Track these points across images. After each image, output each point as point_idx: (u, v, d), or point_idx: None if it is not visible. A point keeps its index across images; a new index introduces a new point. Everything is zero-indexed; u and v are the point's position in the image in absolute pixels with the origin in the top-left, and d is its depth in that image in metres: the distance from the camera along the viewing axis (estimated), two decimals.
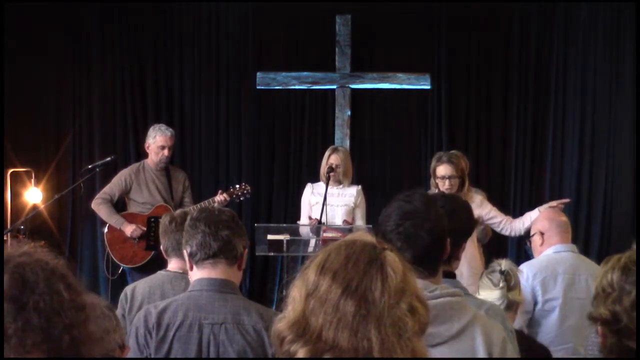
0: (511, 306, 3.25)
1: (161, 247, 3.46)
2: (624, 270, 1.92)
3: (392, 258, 1.54)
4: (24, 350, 1.24)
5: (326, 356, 1.44)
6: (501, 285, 3.23)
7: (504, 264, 3.31)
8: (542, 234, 4.08)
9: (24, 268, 1.28)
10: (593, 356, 2.87)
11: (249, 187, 5.97)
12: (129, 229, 5.81)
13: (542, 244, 4.07)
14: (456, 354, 2.06)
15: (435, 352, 2.04)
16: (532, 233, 4.20)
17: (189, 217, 2.72)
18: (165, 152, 5.90)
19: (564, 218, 4.19)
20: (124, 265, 5.90)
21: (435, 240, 2.19)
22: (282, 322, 1.52)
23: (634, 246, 2.02)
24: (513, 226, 5.28)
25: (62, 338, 1.27)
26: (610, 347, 1.91)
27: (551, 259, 3.98)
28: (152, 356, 2.59)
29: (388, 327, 1.45)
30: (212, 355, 2.57)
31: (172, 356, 2.58)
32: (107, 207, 5.89)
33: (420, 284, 2.06)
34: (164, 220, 3.44)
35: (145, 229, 5.82)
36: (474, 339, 2.08)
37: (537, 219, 4.33)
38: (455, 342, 2.06)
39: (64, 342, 1.27)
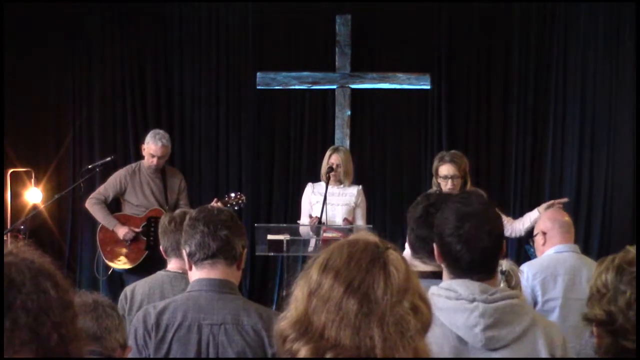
0: None
1: (161, 247, 3.46)
2: (618, 270, 1.92)
3: (394, 257, 1.54)
4: (13, 350, 1.23)
5: (328, 355, 1.45)
6: (502, 285, 3.22)
7: (504, 264, 3.30)
8: (544, 234, 4.08)
9: (9, 268, 1.27)
10: (586, 356, 2.86)
11: (244, 197, 5.95)
12: (122, 232, 5.80)
13: (544, 243, 4.07)
14: (519, 356, 2.05)
15: (497, 355, 2.05)
16: (534, 233, 4.20)
17: (187, 217, 2.70)
18: (154, 160, 5.85)
19: (567, 218, 4.18)
20: (114, 267, 5.90)
21: (495, 241, 2.15)
22: (285, 320, 1.52)
23: (628, 247, 2.02)
24: (513, 227, 5.28)
25: (51, 337, 1.26)
26: (606, 347, 1.90)
27: (552, 259, 3.97)
28: (151, 357, 2.58)
29: (391, 326, 1.45)
30: (211, 356, 2.56)
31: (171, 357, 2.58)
32: (101, 207, 5.88)
33: (479, 287, 2.06)
34: (164, 221, 3.44)
35: (137, 231, 5.82)
36: (535, 341, 2.08)
37: (540, 219, 4.32)
38: (518, 345, 2.06)
39: (52, 340, 1.26)
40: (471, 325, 2.03)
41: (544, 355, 2.07)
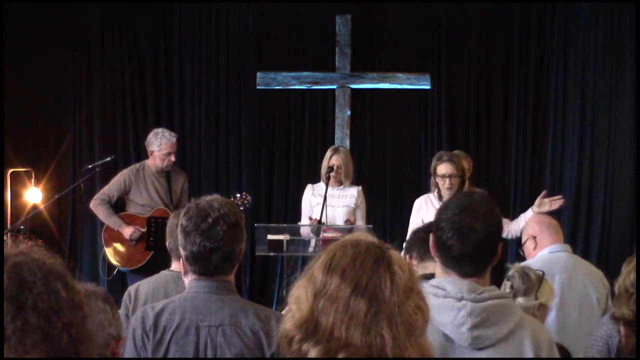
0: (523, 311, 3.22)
1: (167, 245, 3.45)
2: None
3: (398, 257, 1.55)
4: (24, 351, 1.23)
5: (340, 355, 1.45)
6: (507, 291, 3.21)
7: (512, 269, 3.29)
8: (534, 238, 4.08)
9: (21, 268, 1.28)
10: (592, 355, 2.87)
11: (249, 198, 5.96)
12: (128, 231, 5.79)
13: (535, 247, 4.06)
14: (504, 356, 2.04)
15: (483, 355, 2.04)
16: (523, 240, 4.18)
17: (184, 217, 2.61)
18: (172, 157, 5.90)
19: (553, 221, 4.21)
20: (119, 267, 5.89)
21: (488, 237, 2.12)
22: (289, 322, 1.52)
23: None
24: (510, 228, 5.26)
25: (61, 337, 1.26)
26: (633, 347, 1.89)
27: (547, 260, 3.97)
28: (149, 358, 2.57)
29: (399, 325, 1.46)
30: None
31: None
32: (105, 208, 5.87)
33: (467, 285, 2.04)
34: (172, 220, 3.42)
35: (143, 230, 5.82)
36: (521, 342, 2.07)
37: (526, 225, 4.31)
38: (504, 345, 2.05)
39: (62, 341, 1.26)
40: (458, 323, 2.02)
41: (529, 356, 2.06)
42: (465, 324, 2.02)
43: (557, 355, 2.14)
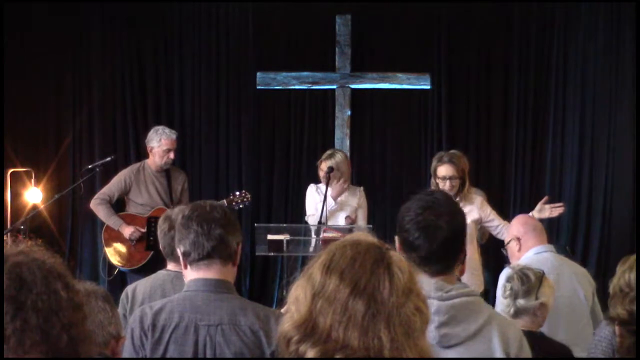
0: (521, 312, 3.21)
1: (162, 249, 3.45)
2: None
3: (398, 258, 1.54)
4: (23, 351, 1.23)
5: (337, 356, 1.44)
6: (507, 293, 3.21)
7: (512, 270, 3.28)
8: (518, 239, 4.07)
9: (21, 267, 1.27)
10: (595, 355, 2.87)
11: (249, 195, 5.96)
12: (128, 231, 5.79)
13: (519, 249, 4.05)
14: (473, 354, 2.04)
15: (451, 353, 2.03)
16: (507, 241, 4.16)
17: (180, 215, 2.66)
18: (171, 154, 5.90)
19: (538, 222, 4.21)
20: (119, 267, 5.89)
21: (454, 234, 2.14)
22: (288, 322, 1.51)
23: None
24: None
25: (61, 338, 1.26)
26: (628, 347, 1.89)
27: (534, 261, 3.96)
28: (148, 357, 2.57)
29: (397, 327, 1.45)
30: (208, 357, 2.54)
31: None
32: (106, 207, 5.88)
33: (434, 284, 2.04)
34: (160, 220, 3.43)
35: (143, 230, 5.82)
36: (490, 339, 2.07)
37: (510, 226, 4.30)
38: (472, 343, 2.05)
39: (62, 341, 1.26)
40: None
41: (498, 353, 2.05)
42: (432, 323, 2.00)
43: (527, 350, 2.13)
